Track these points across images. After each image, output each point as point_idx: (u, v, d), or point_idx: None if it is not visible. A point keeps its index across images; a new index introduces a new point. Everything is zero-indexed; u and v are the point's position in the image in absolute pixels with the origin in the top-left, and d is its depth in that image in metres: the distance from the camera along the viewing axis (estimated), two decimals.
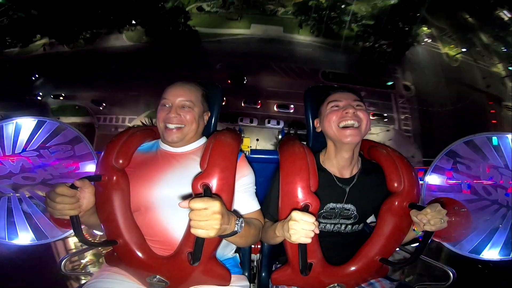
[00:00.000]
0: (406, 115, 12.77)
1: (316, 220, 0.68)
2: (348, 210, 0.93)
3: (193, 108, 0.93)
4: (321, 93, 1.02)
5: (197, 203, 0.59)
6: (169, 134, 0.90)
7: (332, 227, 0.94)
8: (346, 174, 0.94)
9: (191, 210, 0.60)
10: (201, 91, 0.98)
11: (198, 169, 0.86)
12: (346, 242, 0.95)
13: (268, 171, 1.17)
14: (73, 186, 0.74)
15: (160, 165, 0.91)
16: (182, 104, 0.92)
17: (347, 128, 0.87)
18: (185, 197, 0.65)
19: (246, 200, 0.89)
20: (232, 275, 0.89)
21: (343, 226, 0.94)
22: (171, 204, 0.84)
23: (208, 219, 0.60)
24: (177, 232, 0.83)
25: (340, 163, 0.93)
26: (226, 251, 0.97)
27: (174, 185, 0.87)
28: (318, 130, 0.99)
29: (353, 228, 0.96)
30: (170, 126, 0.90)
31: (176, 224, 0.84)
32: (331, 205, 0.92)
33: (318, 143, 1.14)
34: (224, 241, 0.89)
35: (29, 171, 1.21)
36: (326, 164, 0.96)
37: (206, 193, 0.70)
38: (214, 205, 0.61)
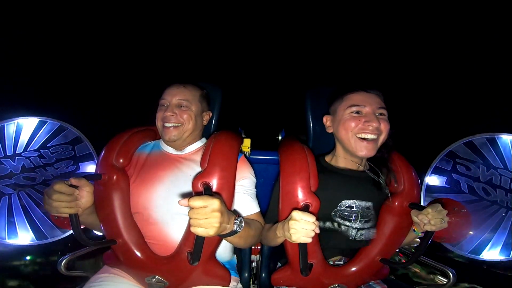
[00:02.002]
0: None
1: (317, 220, 0.68)
2: (369, 208, 0.87)
3: (190, 107, 0.94)
4: (322, 94, 1.02)
5: (197, 201, 0.59)
6: (167, 133, 0.91)
7: (355, 232, 0.86)
8: (355, 168, 0.90)
9: (191, 208, 0.60)
10: (200, 91, 0.99)
11: (198, 171, 0.86)
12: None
13: (269, 172, 1.18)
14: (72, 185, 0.74)
15: (160, 167, 0.91)
16: (179, 103, 0.93)
17: (365, 141, 0.82)
18: (185, 196, 0.65)
19: (246, 201, 0.89)
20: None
21: (365, 232, 0.85)
22: (170, 206, 0.85)
23: (207, 217, 0.60)
24: (176, 235, 0.83)
25: (347, 166, 0.92)
26: (224, 253, 0.97)
27: (173, 187, 0.87)
28: (330, 130, 0.93)
29: (372, 233, 0.87)
30: (168, 124, 0.91)
31: (175, 226, 0.84)
32: (347, 202, 0.86)
33: (319, 145, 1.14)
34: (221, 244, 0.89)
35: (30, 171, 1.21)
36: (334, 164, 0.94)
37: (206, 191, 0.71)
38: (214, 203, 0.60)
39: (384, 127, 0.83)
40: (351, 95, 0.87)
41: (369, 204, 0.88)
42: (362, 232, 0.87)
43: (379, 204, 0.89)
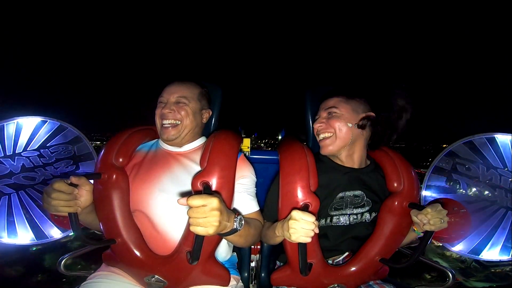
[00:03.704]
0: None
1: (316, 220, 0.68)
2: (358, 197, 0.92)
3: (188, 104, 0.94)
4: (321, 94, 1.03)
5: (195, 200, 0.59)
6: (165, 132, 0.91)
7: (347, 218, 0.92)
8: (355, 166, 0.95)
9: (190, 207, 0.60)
10: (199, 89, 0.99)
11: (197, 169, 0.86)
12: (365, 227, 0.92)
13: (268, 172, 1.18)
14: (72, 184, 0.74)
15: (159, 165, 0.91)
16: (177, 100, 0.93)
17: (322, 140, 0.93)
18: (184, 195, 0.65)
19: (246, 200, 0.89)
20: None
21: (358, 216, 0.92)
22: (170, 204, 0.84)
23: (206, 216, 0.60)
24: (175, 234, 0.83)
25: (342, 160, 0.94)
26: (224, 252, 0.97)
27: (173, 184, 0.87)
28: None
29: (372, 216, 0.92)
30: (166, 122, 0.91)
31: (174, 226, 0.84)
32: (340, 194, 0.91)
33: (319, 144, 1.14)
34: (221, 243, 0.89)
35: (30, 171, 1.21)
36: (332, 158, 0.97)
37: (206, 191, 0.71)
38: (213, 202, 0.60)
39: (337, 122, 0.91)
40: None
41: (357, 192, 0.92)
42: (354, 216, 0.91)
43: (373, 192, 0.92)
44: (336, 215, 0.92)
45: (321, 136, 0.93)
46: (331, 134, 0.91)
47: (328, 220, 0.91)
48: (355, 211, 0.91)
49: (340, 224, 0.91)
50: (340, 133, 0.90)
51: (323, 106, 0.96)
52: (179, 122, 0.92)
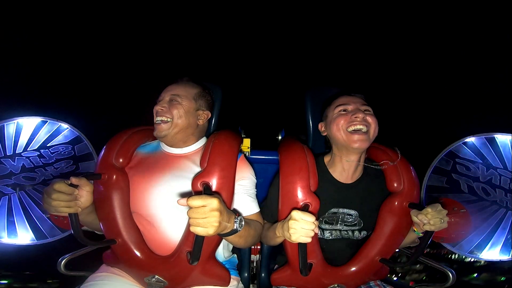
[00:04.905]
0: None
1: (316, 220, 0.68)
2: (351, 215, 0.91)
3: (182, 102, 0.93)
4: (321, 94, 1.03)
5: (195, 201, 0.59)
6: (156, 128, 0.92)
7: (337, 233, 0.92)
8: (349, 180, 0.93)
9: (190, 208, 0.60)
10: (197, 89, 0.98)
11: (197, 171, 0.86)
12: (354, 246, 0.93)
13: (268, 172, 1.18)
14: (72, 185, 0.74)
15: (160, 166, 0.91)
16: (170, 98, 0.93)
17: (356, 133, 0.85)
18: (184, 195, 0.65)
19: (246, 202, 0.88)
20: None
21: (350, 233, 0.92)
22: (169, 206, 0.84)
23: (206, 217, 0.60)
24: (176, 235, 0.83)
25: (345, 167, 0.92)
26: (224, 253, 0.97)
27: (172, 186, 0.87)
28: (324, 134, 0.98)
29: (362, 234, 0.93)
30: (157, 119, 0.92)
31: (175, 226, 0.84)
32: (333, 209, 0.91)
33: (319, 145, 1.14)
34: (221, 244, 0.89)
35: (30, 171, 1.22)
36: (330, 168, 0.95)
37: (206, 191, 0.71)
38: (212, 202, 0.60)
39: (372, 120, 0.87)
40: (337, 99, 0.94)
41: (352, 212, 0.91)
42: (345, 232, 0.92)
43: (365, 214, 0.92)
44: (328, 229, 0.92)
45: (359, 127, 0.86)
46: (368, 128, 0.87)
47: (319, 233, 0.91)
48: (345, 228, 0.92)
49: (327, 238, 0.92)
50: (374, 130, 0.88)
51: (353, 100, 0.91)
52: (170, 120, 0.91)
